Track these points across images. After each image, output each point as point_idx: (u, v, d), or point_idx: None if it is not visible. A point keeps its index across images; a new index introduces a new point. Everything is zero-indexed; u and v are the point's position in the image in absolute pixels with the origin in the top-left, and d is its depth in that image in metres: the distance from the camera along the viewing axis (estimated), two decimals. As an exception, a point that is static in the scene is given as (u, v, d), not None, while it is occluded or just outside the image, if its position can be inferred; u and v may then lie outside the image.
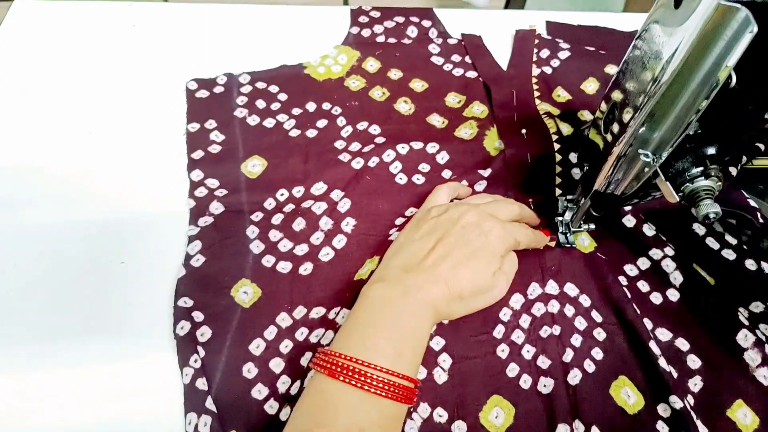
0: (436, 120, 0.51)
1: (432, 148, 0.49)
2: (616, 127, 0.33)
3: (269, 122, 0.50)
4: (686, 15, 0.27)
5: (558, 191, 0.46)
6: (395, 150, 0.48)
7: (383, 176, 0.47)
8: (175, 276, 0.41)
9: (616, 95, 0.34)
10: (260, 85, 0.52)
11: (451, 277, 0.35)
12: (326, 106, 0.51)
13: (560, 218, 0.43)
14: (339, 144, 0.49)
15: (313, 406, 0.31)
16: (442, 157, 0.49)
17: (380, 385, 0.30)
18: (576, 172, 0.47)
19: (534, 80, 0.54)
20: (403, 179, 0.47)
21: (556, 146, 0.48)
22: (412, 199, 0.46)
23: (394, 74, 0.54)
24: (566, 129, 0.49)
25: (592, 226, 0.43)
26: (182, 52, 0.55)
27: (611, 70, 0.55)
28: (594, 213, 0.41)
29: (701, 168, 0.32)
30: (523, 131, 0.49)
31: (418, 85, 0.54)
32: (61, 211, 0.43)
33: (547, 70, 0.55)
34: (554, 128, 0.49)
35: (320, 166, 0.47)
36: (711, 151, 0.32)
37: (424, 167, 0.48)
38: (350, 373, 0.30)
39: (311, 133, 0.49)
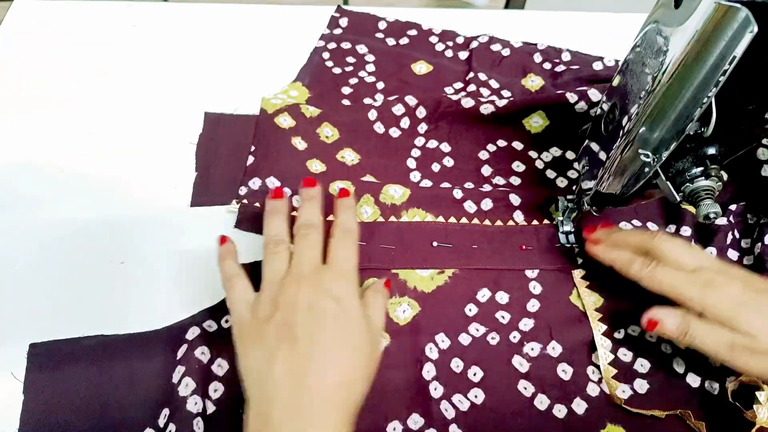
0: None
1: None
2: (616, 127, 0.33)
3: None
4: (686, 15, 0.27)
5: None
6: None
7: None
8: (175, 276, 0.41)
9: (616, 95, 0.34)
10: None
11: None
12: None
13: (561, 218, 0.43)
14: None
15: None
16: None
17: None
18: (575, 172, 0.47)
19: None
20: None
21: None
22: None
23: None
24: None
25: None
26: (182, 52, 0.55)
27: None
28: (594, 213, 0.41)
29: (701, 168, 0.32)
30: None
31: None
32: (61, 211, 0.43)
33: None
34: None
35: None
36: (711, 151, 0.32)
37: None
38: None
39: None
